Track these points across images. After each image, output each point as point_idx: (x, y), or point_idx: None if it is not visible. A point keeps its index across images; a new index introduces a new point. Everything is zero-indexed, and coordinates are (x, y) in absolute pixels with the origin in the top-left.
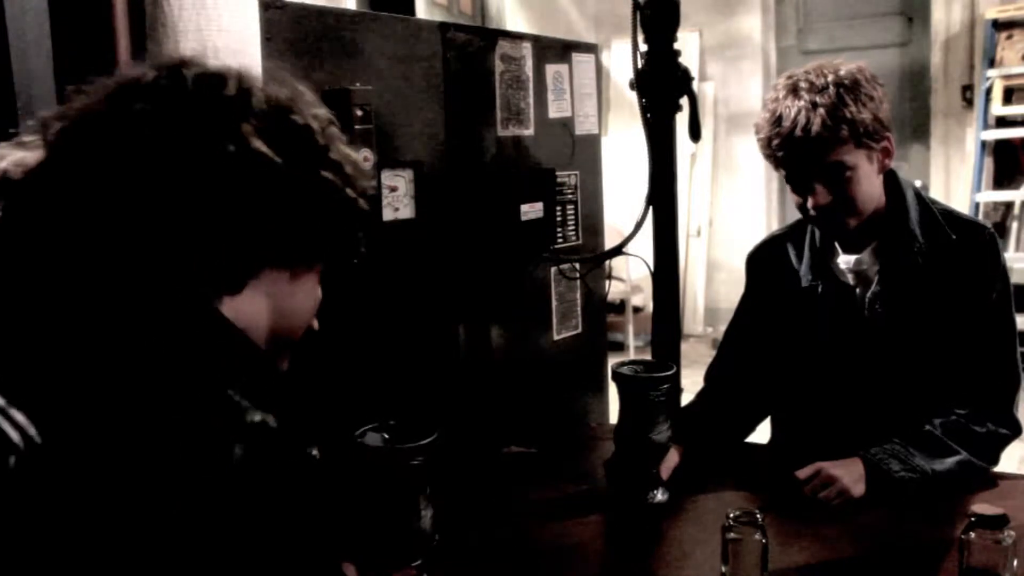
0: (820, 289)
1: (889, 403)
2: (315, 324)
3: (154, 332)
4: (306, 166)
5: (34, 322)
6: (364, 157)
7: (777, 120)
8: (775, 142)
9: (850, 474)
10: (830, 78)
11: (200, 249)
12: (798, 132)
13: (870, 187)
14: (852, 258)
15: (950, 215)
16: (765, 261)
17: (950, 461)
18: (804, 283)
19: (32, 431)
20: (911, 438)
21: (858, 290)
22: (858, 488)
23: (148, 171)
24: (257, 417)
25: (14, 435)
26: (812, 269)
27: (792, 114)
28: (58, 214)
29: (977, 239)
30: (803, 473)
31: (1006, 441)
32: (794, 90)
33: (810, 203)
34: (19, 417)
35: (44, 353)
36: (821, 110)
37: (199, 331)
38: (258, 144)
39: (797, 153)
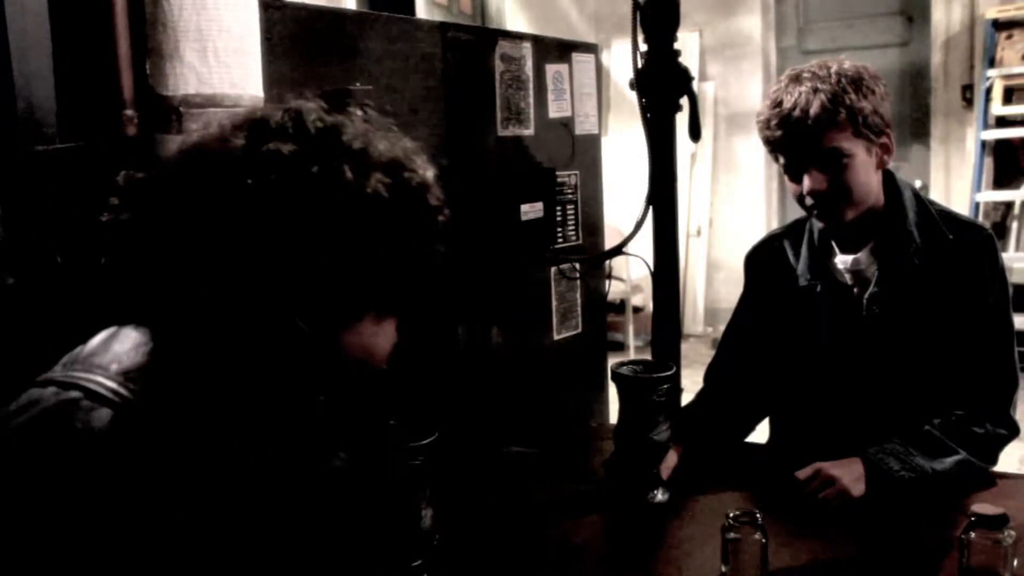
0: (818, 289)
1: (887, 403)
2: (384, 365)
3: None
4: (418, 220)
5: (156, 323)
6: None
7: (778, 103)
8: (774, 122)
9: (850, 474)
10: (833, 68)
11: (325, 288)
12: (797, 112)
13: (867, 178)
14: (850, 258)
15: (948, 216)
16: (763, 260)
17: (949, 461)
18: (802, 282)
19: (126, 393)
20: (910, 438)
21: (856, 290)
22: (858, 488)
23: (280, 211)
24: (351, 422)
25: (111, 395)
26: (810, 269)
27: (793, 97)
28: (188, 238)
29: (975, 240)
30: (803, 473)
31: (1004, 442)
32: (797, 79)
33: (806, 187)
34: (110, 383)
35: (161, 345)
36: (822, 95)
37: (303, 351)
38: (379, 193)
39: (795, 135)
